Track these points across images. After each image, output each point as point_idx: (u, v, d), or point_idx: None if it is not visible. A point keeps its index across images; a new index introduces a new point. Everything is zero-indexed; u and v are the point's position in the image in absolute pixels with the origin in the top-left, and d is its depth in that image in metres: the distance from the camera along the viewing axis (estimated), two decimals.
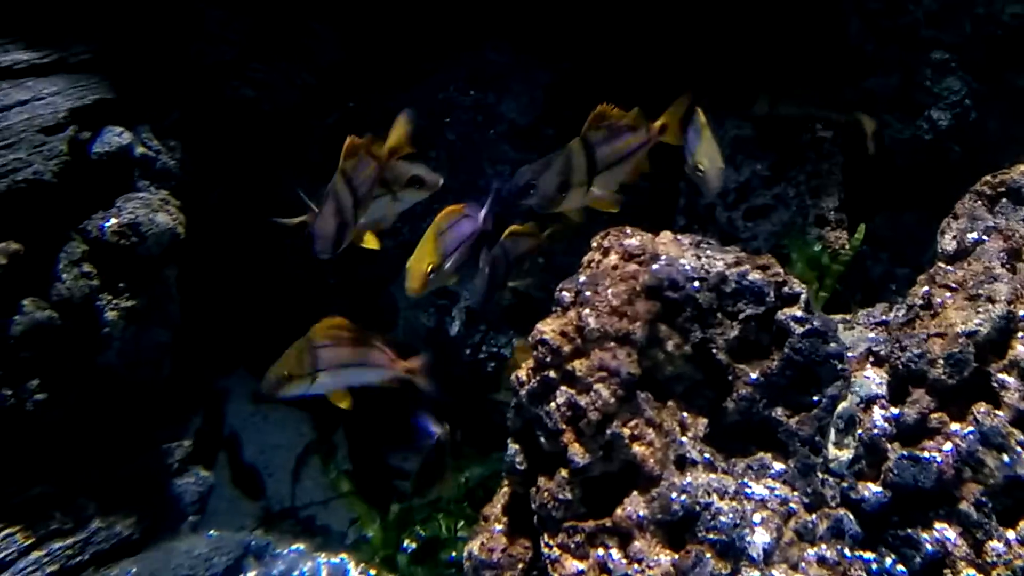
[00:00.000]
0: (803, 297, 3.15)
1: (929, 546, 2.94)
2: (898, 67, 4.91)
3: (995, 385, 3.05)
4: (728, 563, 2.84)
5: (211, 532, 5.02)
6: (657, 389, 3.07)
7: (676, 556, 2.86)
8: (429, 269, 3.62)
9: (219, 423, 5.49)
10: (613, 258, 3.20)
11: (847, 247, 4.74)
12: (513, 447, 3.16)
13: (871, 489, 3.03)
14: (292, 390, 3.59)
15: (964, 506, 2.94)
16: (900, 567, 2.96)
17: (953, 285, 3.25)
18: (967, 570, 2.90)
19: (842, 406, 3.11)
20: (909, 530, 2.97)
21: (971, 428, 2.99)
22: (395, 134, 3.61)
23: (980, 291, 3.17)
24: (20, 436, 4.41)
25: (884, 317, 3.61)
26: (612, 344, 3.00)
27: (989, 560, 2.89)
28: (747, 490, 3.00)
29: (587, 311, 3.04)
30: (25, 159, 4.29)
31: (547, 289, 3.28)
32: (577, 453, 2.95)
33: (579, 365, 3.00)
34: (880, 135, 5.01)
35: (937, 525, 2.96)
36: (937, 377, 3.05)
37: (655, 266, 3.13)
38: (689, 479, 2.94)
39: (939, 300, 3.22)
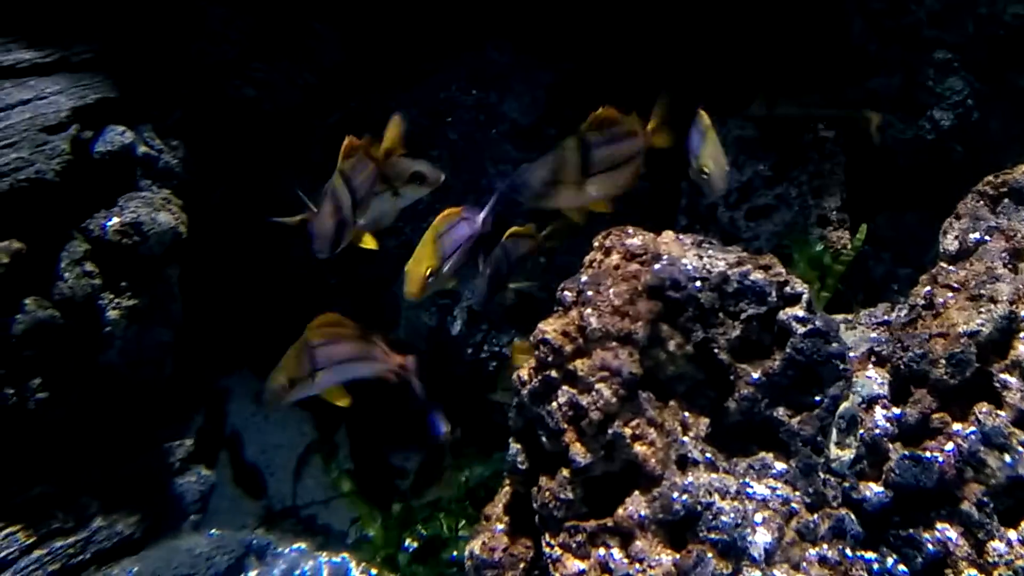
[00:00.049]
0: (805, 297, 3.15)
1: (931, 546, 2.94)
2: (900, 67, 4.91)
3: (997, 385, 3.05)
4: (729, 563, 2.83)
5: (213, 531, 5.03)
6: (659, 389, 3.07)
7: (677, 556, 2.86)
8: (428, 273, 3.62)
9: (221, 422, 5.49)
10: (615, 258, 3.20)
11: (849, 247, 4.74)
12: (515, 446, 3.16)
13: (873, 489, 3.03)
14: (296, 394, 3.59)
15: (966, 506, 2.94)
16: (902, 567, 2.96)
17: (955, 285, 3.24)
18: (969, 570, 2.90)
19: (844, 406, 3.11)
20: (911, 530, 2.97)
21: (973, 428, 2.99)
22: (389, 136, 3.61)
23: (982, 291, 3.17)
24: (22, 435, 4.42)
25: (886, 317, 3.62)
26: (614, 344, 3.00)
27: (991, 560, 2.89)
28: (749, 490, 3.00)
29: (589, 311, 3.04)
30: (27, 158, 4.30)
31: (549, 289, 3.28)
32: (579, 453, 2.95)
33: (581, 365, 3.00)
34: (883, 130, 5.01)
35: (939, 525, 2.96)
36: (939, 377, 3.05)
37: (657, 266, 3.13)
38: (691, 479, 2.94)
39: (941, 300, 3.21)
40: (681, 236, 3.31)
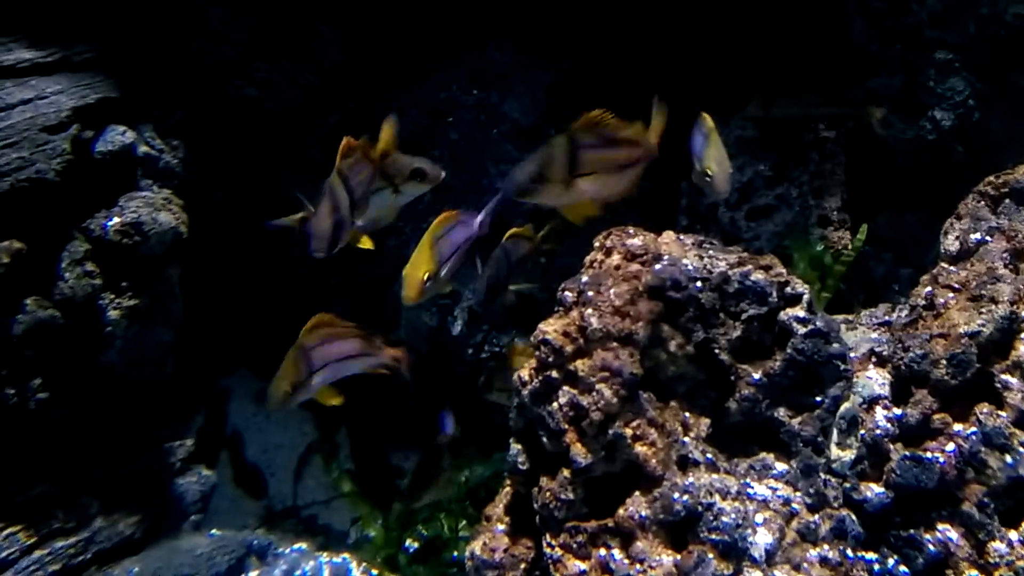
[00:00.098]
0: (806, 297, 3.14)
1: (931, 547, 2.94)
2: (902, 67, 4.90)
3: (998, 386, 3.05)
4: (730, 563, 2.83)
5: (213, 531, 5.03)
6: (659, 389, 3.07)
7: (678, 556, 2.86)
8: (425, 277, 3.61)
9: (221, 422, 5.49)
10: (616, 258, 3.20)
11: (850, 247, 4.74)
12: (515, 447, 3.16)
13: (873, 490, 3.03)
14: (298, 398, 3.59)
15: (967, 507, 2.94)
16: (902, 568, 2.96)
17: (956, 286, 3.24)
18: (969, 571, 2.90)
19: (845, 406, 3.10)
20: (911, 531, 2.97)
21: (974, 429, 2.99)
22: (384, 138, 3.60)
23: (983, 292, 3.17)
24: (22, 435, 4.42)
25: (887, 317, 3.61)
26: (614, 344, 3.00)
27: (991, 561, 2.89)
28: (749, 490, 3.00)
29: (589, 311, 3.04)
30: (28, 158, 4.30)
31: (549, 289, 3.28)
32: (579, 453, 2.95)
33: (581, 365, 3.00)
34: (889, 124, 5.00)
35: (939, 526, 2.96)
36: (940, 378, 3.05)
37: (658, 266, 3.13)
38: (691, 479, 2.94)
39: (942, 301, 3.21)
40: (682, 236, 3.31)
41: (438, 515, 4.81)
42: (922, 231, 4.85)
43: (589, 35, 5.24)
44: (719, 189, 3.78)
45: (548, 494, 3.00)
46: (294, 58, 5.23)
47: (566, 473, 2.99)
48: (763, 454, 3.10)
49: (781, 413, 3.09)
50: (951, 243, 3.57)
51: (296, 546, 5.11)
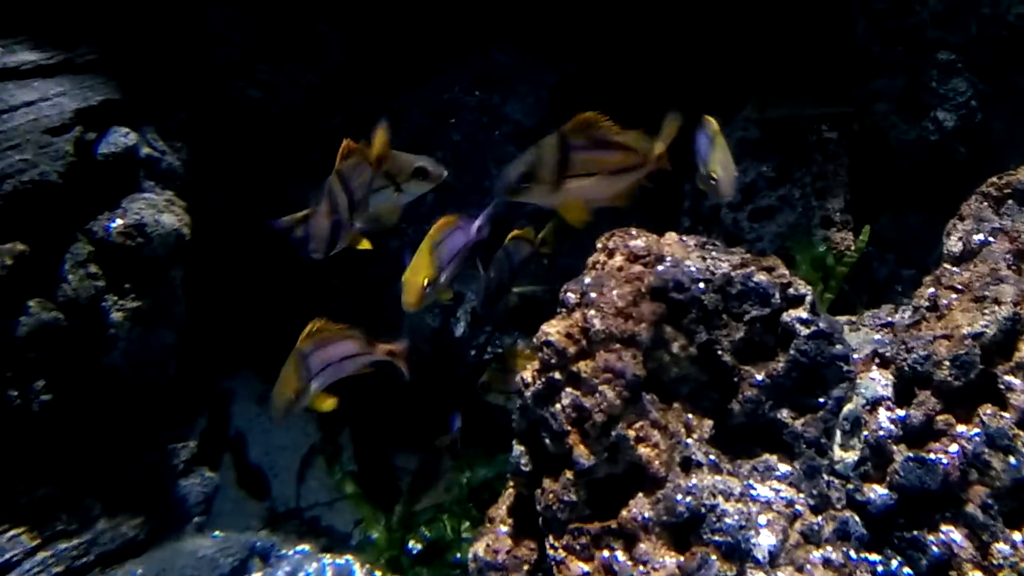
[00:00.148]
0: (809, 299, 3.14)
1: (935, 548, 2.93)
2: (904, 68, 4.90)
3: (1001, 387, 3.05)
4: (733, 565, 2.83)
5: (216, 533, 5.03)
6: (662, 391, 3.07)
7: (681, 558, 2.86)
8: (425, 283, 3.61)
9: (224, 424, 5.49)
10: (618, 259, 3.20)
11: (852, 248, 4.74)
12: (518, 449, 3.15)
13: (877, 491, 3.02)
14: (300, 404, 3.61)
15: (970, 508, 2.94)
16: (906, 569, 2.95)
17: (959, 287, 3.24)
18: (973, 572, 2.90)
19: (848, 408, 3.10)
20: (915, 532, 2.97)
21: (977, 430, 2.98)
22: (377, 143, 3.58)
23: (986, 293, 3.16)
24: (26, 437, 4.42)
25: (890, 319, 3.61)
26: (617, 346, 3.00)
27: (995, 562, 2.89)
28: (752, 492, 3.00)
29: (592, 312, 3.04)
30: (31, 160, 4.30)
31: (552, 290, 3.28)
32: (582, 455, 2.95)
33: (584, 367, 2.99)
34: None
35: (943, 527, 2.95)
36: (943, 379, 3.04)
37: (660, 267, 3.13)
38: (694, 481, 2.94)
39: (945, 302, 3.21)
40: (684, 238, 3.31)
41: (441, 517, 4.81)
42: (925, 232, 4.85)
43: (591, 36, 5.24)
44: (724, 193, 3.78)
45: (551, 496, 3.00)
46: (296, 59, 5.23)
47: (569, 475, 2.98)
48: (766, 455, 3.10)
49: (784, 414, 3.09)
50: (954, 244, 3.57)
51: (299, 548, 5.11)
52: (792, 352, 3.08)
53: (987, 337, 3.06)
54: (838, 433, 3.09)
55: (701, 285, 3.09)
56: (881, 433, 3.06)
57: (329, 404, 3.65)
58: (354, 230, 3.37)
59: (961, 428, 3.01)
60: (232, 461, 5.43)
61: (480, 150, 5.23)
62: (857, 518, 3.00)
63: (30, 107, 4.43)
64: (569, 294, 3.13)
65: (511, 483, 3.29)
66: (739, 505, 2.92)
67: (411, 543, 4.84)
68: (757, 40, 5.16)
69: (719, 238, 4.64)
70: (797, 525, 2.97)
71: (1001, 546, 2.90)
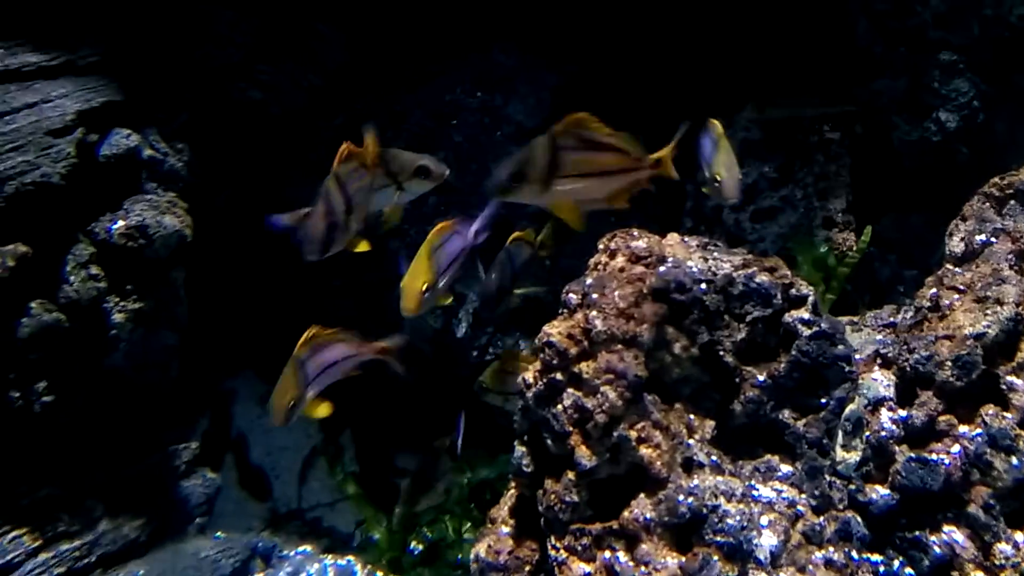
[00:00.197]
0: (810, 299, 3.14)
1: (937, 549, 2.93)
2: (906, 69, 4.90)
3: (1003, 387, 3.05)
4: (735, 566, 2.83)
5: (218, 534, 5.03)
6: (664, 391, 3.07)
7: (683, 559, 2.86)
8: (424, 288, 3.61)
9: (226, 425, 5.49)
10: (620, 260, 3.19)
11: (854, 249, 4.74)
12: (520, 449, 3.15)
13: (879, 491, 3.02)
14: (298, 410, 3.63)
15: (972, 508, 2.94)
16: (908, 570, 2.95)
17: (961, 287, 3.24)
18: (975, 573, 2.90)
19: (850, 408, 3.10)
20: (917, 532, 2.97)
21: (979, 430, 2.98)
22: (368, 148, 3.57)
23: (988, 293, 3.16)
24: (28, 438, 4.42)
25: (892, 319, 3.61)
26: (619, 346, 3.00)
27: (997, 563, 2.89)
28: (754, 492, 3.00)
29: (594, 313, 3.04)
30: (33, 161, 4.30)
31: (554, 291, 3.27)
32: (584, 455, 2.95)
33: (586, 367, 2.99)
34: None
35: (945, 528, 2.95)
36: (945, 379, 3.04)
37: (662, 268, 3.13)
38: (696, 481, 2.94)
39: (947, 302, 3.21)
40: (686, 238, 3.31)
41: (443, 517, 4.81)
42: (927, 233, 4.85)
43: (593, 37, 5.24)
44: (728, 194, 3.79)
45: (553, 496, 3.00)
46: (297, 60, 5.23)
47: (571, 475, 2.98)
48: (768, 456, 3.10)
49: (786, 415, 3.09)
50: (956, 245, 3.57)
51: (301, 548, 5.11)
52: (794, 353, 3.08)
53: (989, 337, 3.06)
54: (840, 434, 3.09)
55: (703, 286, 3.09)
56: (883, 433, 3.06)
57: (324, 410, 3.68)
58: (349, 234, 3.35)
59: (963, 428, 3.01)
60: (234, 462, 5.43)
61: (482, 151, 5.22)
62: (859, 518, 3.00)
63: (32, 109, 4.43)
64: (571, 295, 3.13)
65: (513, 484, 3.29)
66: (741, 506, 2.92)
67: (413, 544, 4.84)
68: (758, 41, 5.16)
69: (721, 239, 4.63)
70: (799, 526, 2.97)
71: (1003, 546, 2.90)
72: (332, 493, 5.37)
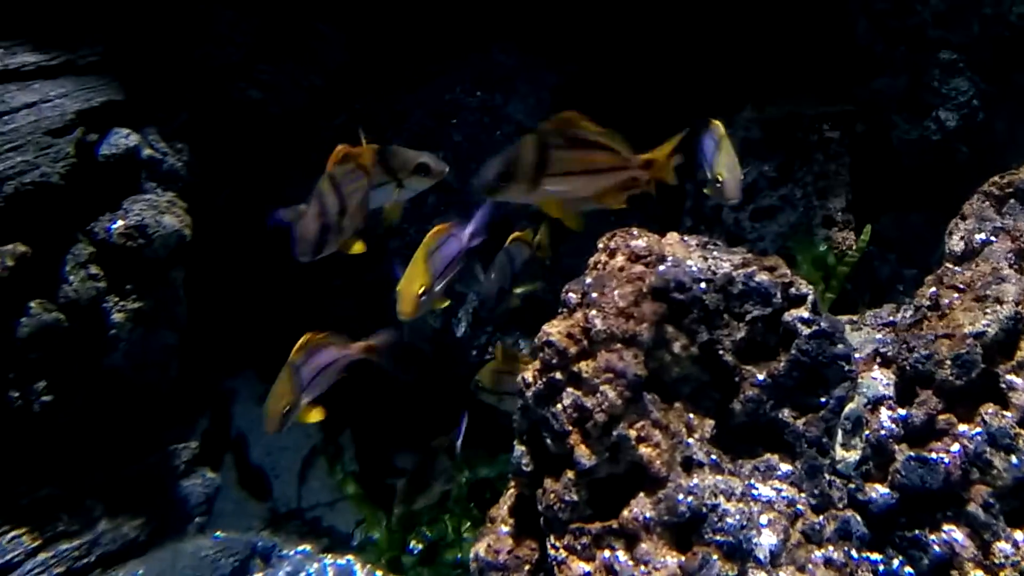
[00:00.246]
0: (810, 298, 3.14)
1: (937, 547, 2.93)
2: (906, 68, 4.90)
3: (1003, 386, 3.04)
4: (735, 565, 2.83)
5: (218, 533, 5.03)
6: (664, 390, 3.06)
7: (683, 558, 2.86)
8: (421, 291, 3.62)
9: (226, 424, 5.50)
10: (619, 259, 3.19)
11: (854, 248, 4.74)
12: (519, 448, 3.15)
13: (878, 490, 3.02)
14: (293, 416, 3.66)
15: (972, 507, 2.93)
16: (907, 569, 2.95)
17: (961, 286, 3.24)
18: (975, 572, 2.89)
19: (849, 407, 3.10)
20: (916, 531, 2.96)
21: (979, 429, 2.98)
22: (365, 150, 3.56)
23: (988, 292, 3.16)
24: (27, 438, 4.43)
25: (891, 318, 3.61)
26: (618, 345, 3.00)
27: (997, 562, 2.88)
28: (754, 491, 2.99)
29: (593, 312, 3.03)
30: (32, 161, 4.30)
31: (553, 290, 3.27)
32: (583, 455, 2.95)
33: (585, 366, 2.99)
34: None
35: (945, 527, 2.95)
36: (945, 378, 3.04)
37: (661, 267, 3.12)
38: (696, 481, 2.93)
39: (947, 301, 3.21)
40: (686, 237, 3.30)
41: (442, 517, 4.81)
42: (927, 232, 4.85)
43: (593, 36, 5.24)
44: (730, 195, 3.79)
45: (552, 496, 3.00)
46: (297, 60, 5.24)
47: (570, 475, 2.98)
48: (767, 455, 3.09)
49: (785, 414, 3.09)
50: (956, 243, 3.57)
51: (300, 548, 5.11)
52: (794, 352, 3.08)
53: (989, 336, 3.06)
54: (840, 432, 3.09)
55: (702, 285, 3.09)
56: (883, 432, 3.06)
57: (316, 415, 3.71)
58: (342, 236, 3.33)
59: (963, 427, 3.00)
60: (233, 461, 5.44)
61: (482, 150, 5.22)
62: (859, 517, 3.00)
63: (31, 108, 4.43)
64: (570, 294, 3.13)
65: (512, 483, 3.29)
66: (740, 505, 2.92)
67: (412, 543, 4.85)
68: (758, 40, 5.16)
69: (721, 238, 4.63)
70: (799, 525, 2.97)
71: (1003, 545, 2.89)
72: (332, 493, 5.37)
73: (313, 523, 5.33)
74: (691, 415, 3.09)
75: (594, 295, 3.08)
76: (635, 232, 3.27)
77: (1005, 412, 2.99)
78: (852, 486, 3.04)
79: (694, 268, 3.12)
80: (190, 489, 4.98)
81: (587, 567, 2.94)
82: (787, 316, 3.11)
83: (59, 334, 4.36)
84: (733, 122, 5.05)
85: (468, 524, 4.73)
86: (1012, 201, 3.60)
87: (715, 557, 2.82)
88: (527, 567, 3.13)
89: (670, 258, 3.15)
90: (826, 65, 5.12)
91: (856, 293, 4.71)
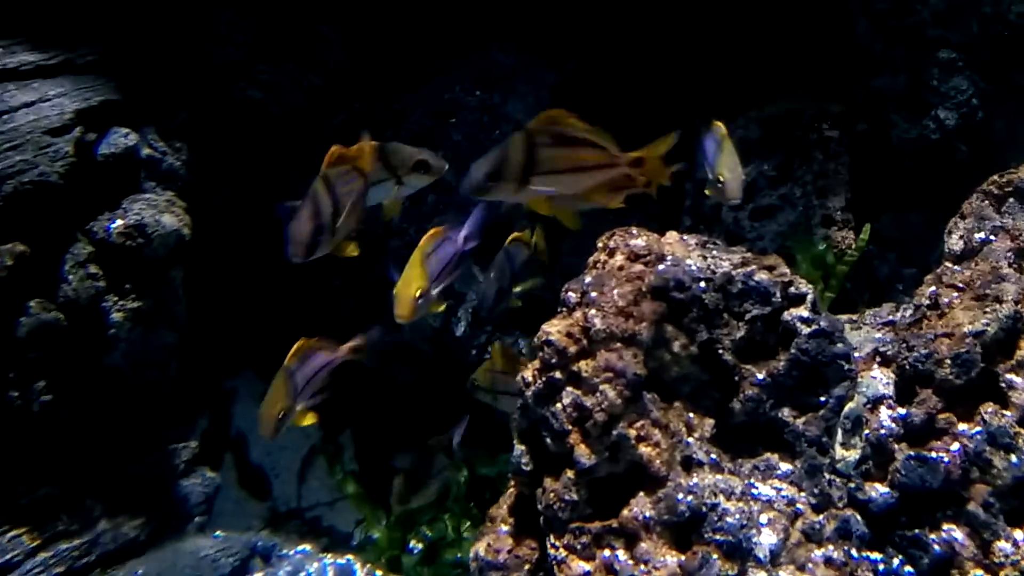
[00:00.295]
0: (810, 297, 3.14)
1: (937, 547, 2.93)
2: (905, 66, 4.90)
3: (1003, 385, 3.04)
4: (735, 564, 2.83)
5: (217, 533, 5.03)
6: (663, 390, 3.06)
7: (682, 557, 2.86)
8: (418, 294, 3.62)
9: (226, 424, 5.50)
10: (619, 259, 3.19)
11: (853, 247, 4.73)
12: (519, 448, 3.15)
13: (878, 490, 3.02)
14: (287, 422, 3.68)
15: (972, 507, 2.93)
16: (907, 568, 2.95)
17: (960, 285, 3.23)
18: (975, 571, 2.89)
19: (849, 406, 3.10)
20: (916, 531, 2.96)
21: (979, 428, 2.98)
22: (364, 151, 3.55)
23: (987, 291, 3.16)
24: (27, 437, 4.42)
25: (891, 317, 3.60)
26: (618, 345, 3.00)
27: (997, 561, 2.88)
28: (754, 491, 3.00)
29: (593, 312, 3.04)
30: (31, 160, 4.30)
31: (553, 290, 3.27)
32: (583, 454, 2.95)
33: (585, 366, 2.99)
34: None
35: (945, 526, 2.95)
36: (944, 377, 3.04)
37: (661, 267, 3.12)
38: (695, 480, 2.93)
39: (946, 300, 3.21)
40: (685, 236, 3.30)
41: (442, 516, 4.81)
42: (926, 231, 4.85)
43: (591, 35, 5.24)
44: (731, 195, 3.79)
45: (552, 495, 3.00)
46: (297, 60, 5.23)
47: (570, 474, 2.98)
48: (767, 454, 3.09)
49: (785, 413, 3.09)
50: (955, 242, 3.56)
51: (300, 548, 5.11)
52: (793, 351, 3.08)
53: (988, 335, 3.06)
54: (839, 432, 3.09)
55: (702, 284, 3.09)
56: (882, 432, 3.06)
57: (309, 419, 3.74)
58: (335, 238, 3.31)
59: (962, 426, 3.00)
60: (233, 461, 5.43)
61: (481, 150, 5.16)
62: (859, 517, 3.00)
63: (30, 108, 4.43)
64: (570, 293, 3.13)
65: (512, 482, 3.29)
66: (740, 504, 2.92)
67: (412, 543, 4.85)
68: (758, 39, 5.15)
69: (720, 237, 4.63)
70: (799, 524, 2.97)
71: (1003, 544, 2.89)
72: (331, 492, 5.37)
73: (313, 523, 5.32)
74: (691, 414, 3.09)
75: (593, 294, 3.08)
76: (634, 231, 3.27)
77: (1005, 411, 2.99)
78: (852, 485, 3.04)
79: (693, 267, 3.12)
80: (190, 489, 4.98)
81: (587, 566, 2.94)
82: (787, 315, 3.11)
83: (58, 333, 4.36)
84: (733, 121, 5.05)
85: (468, 523, 4.73)
86: (1011, 200, 3.60)
87: (715, 556, 2.82)
88: (527, 566, 3.13)
89: (669, 257, 3.15)
90: (825, 64, 5.12)
91: (855, 292, 4.71)
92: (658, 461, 2.94)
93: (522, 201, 3.12)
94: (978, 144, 4.87)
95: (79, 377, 4.48)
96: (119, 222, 4.48)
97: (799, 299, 3.13)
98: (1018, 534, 2.91)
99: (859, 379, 3.16)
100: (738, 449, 3.11)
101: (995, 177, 3.66)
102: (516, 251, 4.08)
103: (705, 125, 3.94)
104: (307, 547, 5.11)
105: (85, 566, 4.52)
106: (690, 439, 3.03)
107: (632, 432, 2.95)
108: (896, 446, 3.04)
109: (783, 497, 3.00)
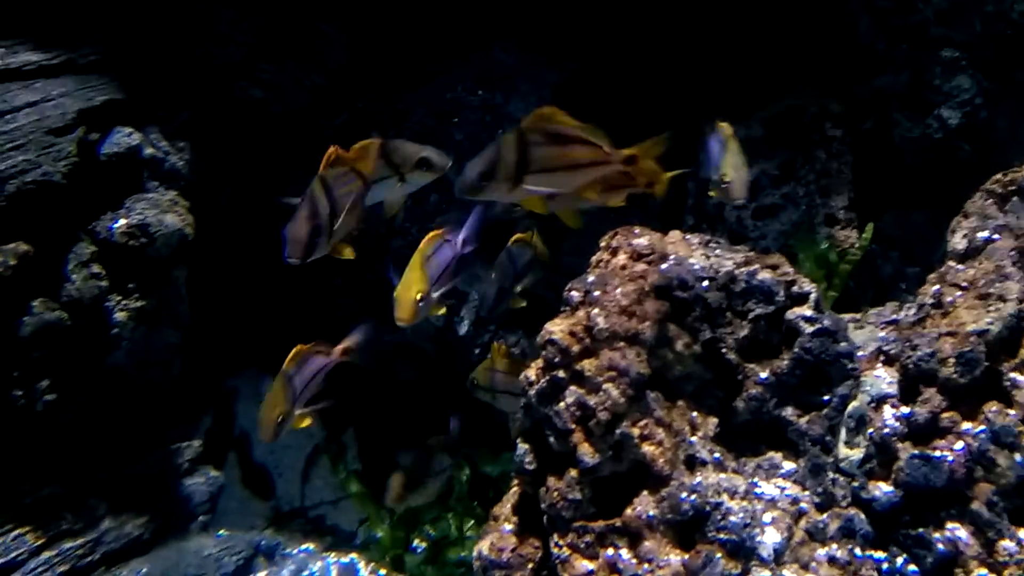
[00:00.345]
0: (813, 296, 3.14)
1: (941, 546, 2.93)
2: (908, 65, 4.89)
3: (1007, 384, 3.04)
4: (738, 563, 2.83)
5: (221, 532, 5.03)
6: (667, 389, 3.07)
7: (686, 556, 2.86)
8: (418, 297, 3.62)
9: (229, 423, 5.50)
10: (622, 258, 3.19)
11: (856, 246, 4.73)
12: (522, 447, 3.15)
13: (882, 488, 3.02)
14: (286, 426, 3.70)
15: (976, 505, 2.93)
16: (911, 567, 2.95)
17: (964, 284, 3.23)
18: (979, 570, 2.89)
19: (853, 405, 3.10)
20: (920, 530, 2.96)
21: (982, 427, 2.97)
22: (366, 151, 3.54)
23: (991, 290, 3.15)
24: (30, 436, 4.43)
25: (894, 316, 3.60)
26: (621, 344, 3.00)
27: (1001, 559, 2.88)
28: (757, 490, 3.00)
29: (596, 311, 3.04)
30: (34, 160, 4.30)
31: (556, 289, 3.27)
32: (586, 453, 2.95)
33: (588, 365, 2.99)
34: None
35: (949, 524, 2.95)
36: (948, 376, 3.04)
37: (664, 266, 3.12)
38: (699, 479, 2.94)
39: (950, 299, 3.20)
40: (688, 236, 3.30)
41: (445, 515, 4.82)
42: (929, 230, 4.84)
43: (593, 35, 5.24)
44: (736, 195, 3.79)
45: (555, 494, 3.00)
46: (299, 59, 5.23)
47: (573, 473, 2.98)
48: (771, 453, 3.10)
49: (789, 412, 3.09)
50: (958, 241, 3.56)
51: (304, 546, 5.11)
52: (796, 350, 3.08)
53: (992, 334, 3.06)
54: (843, 431, 3.09)
55: (705, 283, 3.09)
56: (886, 431, 3.06)
57: (307, 422, 3.78)
58: (333, 240, 3.30)
59: (966, 425, 3.00)
60: (237, 460, 5.43)
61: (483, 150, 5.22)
62: (862, 516, 3.00)
63: (33, 107, 4.43)
64: (573, 292, 3.13)
65: (516, 481, 3.29)
66: (744, 503, 2.92)
67: (416, 542, 4.85)
68: (762, 39, 5.15)
69: (723, 236, 4.64)
70: (802, 523, 2.97)
71: (1007, 543, 2.89)
72: (335, 491, 5.37)
73: (316, 521, 5.33)
74: (694, 413, 3.09)
75: (596, 293, 3.08)
76: (637, 230, 3.27)
77: (1009, 410, 2.99)
78: (856, 484, 3.04)
79: (696, 266, 3.12)
80: (193, 487, 4.98)
81: (590, 565, 2.94)
82: (790, 314, 3.11)
83: (62, 333, 4.36)
84: (736, 121, 5.05)
85: (471, 522, 4.73)
86: (1015, 199, 3.59)
87: (719, 555, 2.83)
88: (530, 565, 3.14)
89: (672, 256, 3.15)
90: (828, 63, 5.12)
91: (859, 291, 4.71)
92: (661, 460, 2.94)
93: (516, 200, 3.11)
94: (981, 143, 4.86)
95: (82, 376, 4.48)
96: (122, 222, 4.49)
97: (802, 298, 3.14)
98: (1022, 533, 2.91)
99: (863, 378, 3.16)
100: (742, 448, 3.11)
101: (998, 176, 3.65)
102: (519, 252, 4.09)
103: (709, 125, 3.94)
104: (311, 546, 5.12)
105: (89, 565, 4.52)
106: (693, 438, 3.03)
107: (635, 431, 2.95)
108: (900, 445, 3.04)
109: (787, 496, 3.00)
